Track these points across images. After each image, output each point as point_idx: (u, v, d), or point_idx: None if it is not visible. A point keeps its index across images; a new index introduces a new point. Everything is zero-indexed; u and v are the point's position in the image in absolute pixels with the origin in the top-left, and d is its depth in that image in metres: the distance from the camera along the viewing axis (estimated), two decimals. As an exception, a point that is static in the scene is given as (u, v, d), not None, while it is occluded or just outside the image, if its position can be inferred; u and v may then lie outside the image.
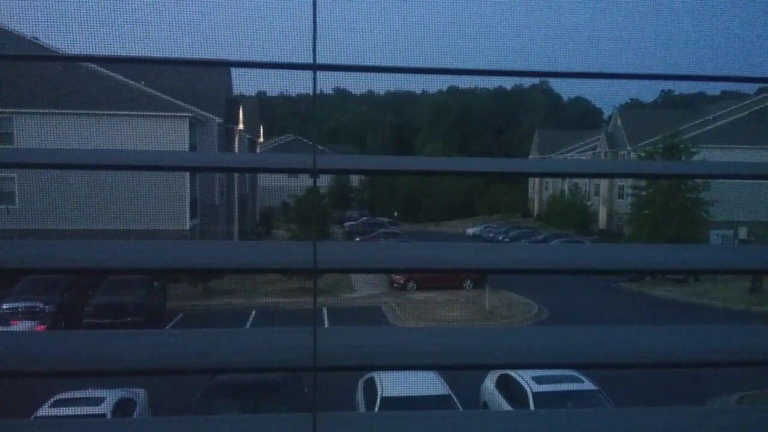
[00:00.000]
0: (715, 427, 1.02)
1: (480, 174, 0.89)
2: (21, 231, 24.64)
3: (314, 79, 0.89)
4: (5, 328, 16.91)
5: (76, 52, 26.65)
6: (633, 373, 13.06)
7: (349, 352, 0.94)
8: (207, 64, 0.87)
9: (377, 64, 0.97)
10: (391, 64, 0.98)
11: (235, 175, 39.08)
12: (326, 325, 2.95)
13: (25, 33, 29.11)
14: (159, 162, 0.89)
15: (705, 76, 1.09)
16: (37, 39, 29.31)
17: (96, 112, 27.35)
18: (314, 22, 0.86)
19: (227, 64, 0.87)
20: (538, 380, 11.51)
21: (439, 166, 0.89)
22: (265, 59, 0.86)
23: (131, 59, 0.90)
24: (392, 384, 11.26)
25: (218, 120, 34.21)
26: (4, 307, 19.36)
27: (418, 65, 0.96)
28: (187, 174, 29.87)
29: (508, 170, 0.94)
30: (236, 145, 39.39)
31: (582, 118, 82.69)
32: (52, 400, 10.31)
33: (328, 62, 0.88)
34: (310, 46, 0.88)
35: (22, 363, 0.90)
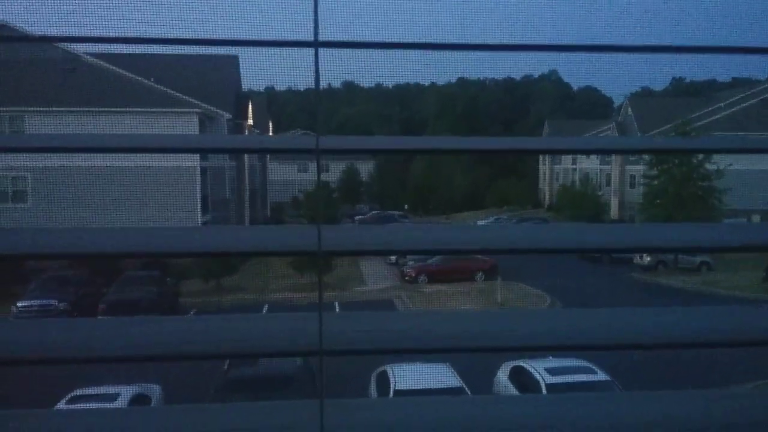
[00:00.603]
0: (724, 410, 1.00)
1: (482, 152, 0.87)
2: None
3: (316, 56, 0.87)
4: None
5: (84, 50, 26.66)
6: (646, 364, 13.00)
7: (356, 337, 0.93)
8: (206, 43, 0.85)
9: (382, 51, 0.95)
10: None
11: (246, 170, 39.22)
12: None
13: (34, 32, 29.22)
14: (163, 144, 0.87)
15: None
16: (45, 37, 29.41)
17: (105, 109, 27.48)
18: (315, -1, 0.84)
19: (226, 43, 0.86)
20: (551, 372, 11.48)
21: (440, 144, 0.87)
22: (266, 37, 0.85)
23: (115, 39, 0.88)
24: (405, 376, 11.27)
25: (227, 115, 34.28)
26: (19, 305, 19.56)
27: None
28: (198, 170, 30.00)
29: (509, 148, 0.92)
30: (245, 141, 39.38)
31: (592, 107, 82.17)
32: (68, 396, 10.42)
33: (330, 39, 0.87)
34: (312, 22, 0.86)
35: (37, 351, 0.90)
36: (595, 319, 1.01)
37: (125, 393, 10.58)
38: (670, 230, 1.00)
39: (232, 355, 0.90)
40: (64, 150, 0.90)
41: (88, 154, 26.97)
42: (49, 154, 27.09)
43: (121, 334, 0.92)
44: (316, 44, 0.87)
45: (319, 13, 0.89)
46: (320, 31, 0.90)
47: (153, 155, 27.95)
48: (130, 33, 0.99)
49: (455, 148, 0.87)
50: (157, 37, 0.86)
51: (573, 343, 0.95)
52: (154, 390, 11.32)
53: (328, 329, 0.92)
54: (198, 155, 30.11)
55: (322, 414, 0.92)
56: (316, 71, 0.91)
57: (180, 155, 28.97)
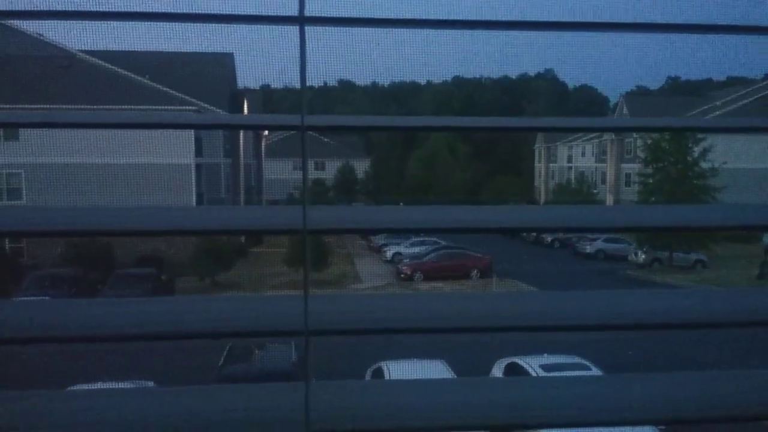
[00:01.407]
0: (717, 391, 0.99)
1: (460, 130, 0.87)
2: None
3: (301, 32, 0.86)
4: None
5: (79, 48, 26.54)
6: (642, 359, 13.03)
7: (341, 318, 0.92)
8: (184, 19, 0.84)
9: (377, 48, 0.94)
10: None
11: (241, 167, 39.17)
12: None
13: (29, 29, 29.13)
14: (149, 120, 0.86)
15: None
16: (41, 35, 29.35)
17: (101, 107, 27.39)
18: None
19: (205, 19, 0.84)
20: (546, 368, 11.53)
21: (423, 123, 0.87)
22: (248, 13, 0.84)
23: (68, 13, 0.87)
24: (400, 373, 11.30)
25: (222, 113, 34.21)
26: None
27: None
28: (193, 167, 29.95)
29: (499, 126, 0.91)
30: (241, 138, 39.42)
31: (588, 105, 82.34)
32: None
33: (316, 15, 0.86)
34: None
35: (31, 330, 0.89)
36: (583, 301, 1.01)
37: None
38: (657, 211, 1.00)
39: (218, 335, 0.89)
40: (58, 126, 0.89)
41: (83, 152, 26.79)
42: (43, 152, 27.00)
43: (107, 313, 0.91)
44: (301, 20, 0.86)
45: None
46: (307, 8, 0.89)
47: (149, 153, 27.92)
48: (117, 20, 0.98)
49: (438, 126, 0.86)
50: (136, 11, 0.85)
51: (558, 323, 0.94)
52: (147, 386, 11.29)
53: (313, 310, 0.91)
54: (193, 152, 30.07)
55: (307, 395, 0.91)
56: (302, 48, 0.90)
57: (176, 152, 28.94)
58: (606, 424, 0.94)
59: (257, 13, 0.85)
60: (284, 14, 0.85)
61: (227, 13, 0.86)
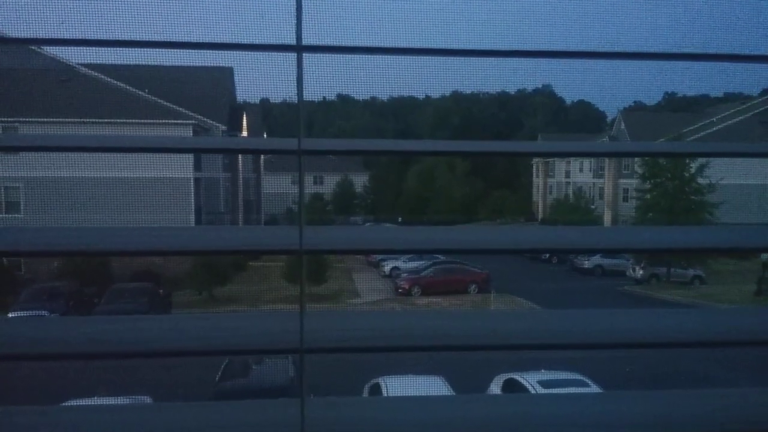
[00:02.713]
0: (711, 408, 1.01)
1: (455, 154, 0.89)
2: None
3: (299, 60, 0.89)
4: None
5: (76, 60, 26.66)
6: (640, 375, 12.98)
7: (336, 335, 0.94)
8: (186, 47, 0.87)
9: (376, 65, 0.97)
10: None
11: (240, 181, 39.19)
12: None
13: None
14: (149, 144, 0.89)
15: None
16: (41, 48, 29.45)
17: (100, 120, 27.46)
18: (299, 2, 0.86)
19: (206, 47, 0.87)
20: (544, 384, 11.49)
21: (418, 147, 0.89)
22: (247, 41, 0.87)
23: (78, 41, 0.90)
24: (398, 389, 11.24)
25: (222, 127, 34.29)
26: (10, 316, 19.42)
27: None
28: (192, 181, 29.97)
29: (478, 150, 0.94)
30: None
31: (585, 120, 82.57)
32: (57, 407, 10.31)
33: (313, 44, 0.89)
34: (294, 27, 0.88)
35: (29, 347, 0.91)
36: (578, 319, 1.03)
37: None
38: (657, 233, 1.02)
39: (214, 352, 0.91)
40: (61, 149, 0.92)
41: (81, 166, 26.82)
42: (42, 165, 27.04)
43: (105, 331, 0.93)
44: (299, 48, 0.89)
45: (303, 19, 0.91)
46: (304, 37, 0.92)
47: (147, 166, 27.96)
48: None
49: (432, 150, 0.89)
50: (138, 39, 0.88)
51: (555, 342, 0.96)
52: (145, 401, 11.23)
53: (309, 328, 0.93)
54: (192, 166, 30.11)
55: (303, 411, 0.93)
56: (299, 75, 0.93)
57: (175, 166, 28.98)
58: None
59: (256, 42, 0.88)
60: (282, 42, 0.88)
61: (226, 41, 0.89)
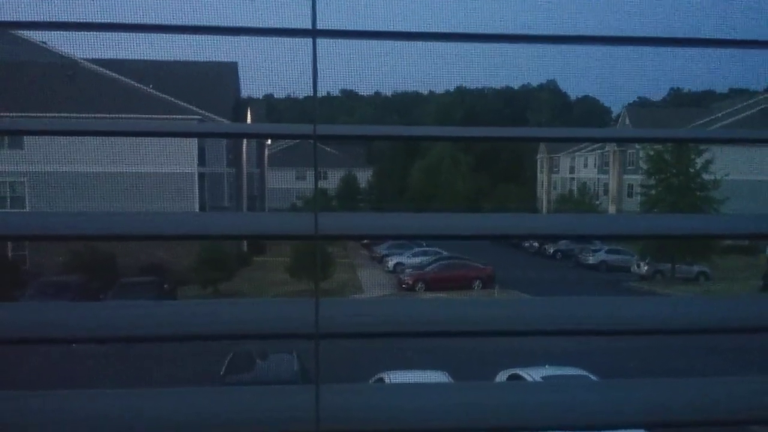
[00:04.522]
0: (709, 397, 1.01)
1: (468, 139, 0.89)
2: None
3: (314, 45, 0.89)
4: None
5: (83, 56, 26.71)
6: (643, 370, 12.98)
7: (351, 321, 0.94)
8: (198, 31, 0.87)
9: (381, 59, 0.97)
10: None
11: (244, 177, 39.24)
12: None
13: (34, 37, 29.32)
14: (160, 129, 0.89)
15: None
16: (45, 43, 29.53)
17: (105, 115, 27.51)
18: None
19: (218, 32, 0.87)
20: (548, 379, 11.50)
21: (431, 132, 0.89)
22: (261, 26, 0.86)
23: (80, 25, 0.90)
24: (402, 383, 11.28)
25: (226, 122, 34.31)
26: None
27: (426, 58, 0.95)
28: (196, 176, 30.03)
29: (494, 135, 0.94)
30: (244, 147, 39.51)
31: (590, 116, 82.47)
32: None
33: (328, 28, 0.88)
34: (309, 11, 0.88)
35: (40, 331, 0.91)
36: (584, 307, 1.03)
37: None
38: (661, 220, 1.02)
39: (229, 336, 0.92)
40: (65, 133, 0.92)
41: (86, 161, 26.87)
42: (46, 161, 27.10)
43: (120, 315, 0.93)
44: (314, 33, 0.89)
45: (317, 4, 0.91)
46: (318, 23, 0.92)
47: (152, 161, 28.02)
48: (125, 31, 1.00)
49: (443, 136, 0.89)
50: (148, 24, 0.87)
51: (559, 328, 0.96)
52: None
53: (323, 314, 0.94)
54: (196, 162, 30.16)
55: (317, 398, 0.93)
56: (314, 60, 0.93)
57: (179, 162, 29.03)
58: (603, 427, 0.96)
59: (270, 26, 0.87)
60: (297, 27, 0.88)
61: (240, 26, 0.89)
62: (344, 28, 0.91)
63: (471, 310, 1.00)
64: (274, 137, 0.90)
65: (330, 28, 0.90)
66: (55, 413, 0.92)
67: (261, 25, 0.91)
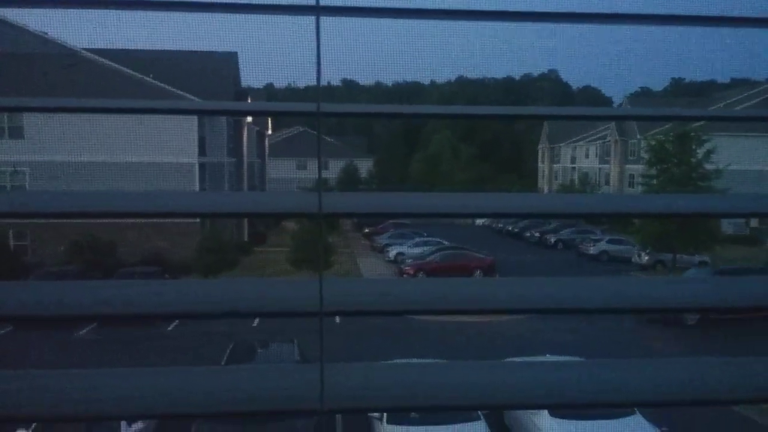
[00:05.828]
0: (697, 378, 1.01)
1: (474, 117, 0.89)
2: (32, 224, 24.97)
3: (317, 23, 0.89)
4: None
5: (83, 46, 26.66)
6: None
7: (354, 299, 0.94)
8: (200, 8, 0.86)
9: (384, 61, 0.96)
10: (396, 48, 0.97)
11: (245, 167, 39.23)
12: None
13: (34, 28, 29.24)
14: (164, 107, 0.89)
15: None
16: (45, 33, 29.44)
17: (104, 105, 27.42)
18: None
19: (220, 9, 0.87)
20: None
21: (433, 111, 0.89)
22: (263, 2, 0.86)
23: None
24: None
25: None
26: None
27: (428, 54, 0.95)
28: (196, 166, 30.02)
29: (498, 114, 0.93)
30: (245, 137, 39.47)
31: (591, 106, 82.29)
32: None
33: (332, 5, 0.88)
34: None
35: (44, 310, 0.91)
36: (585, 286, 1.03)
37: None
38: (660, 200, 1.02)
39: (233, 314, 0.92)
40: (63, 110, 0.92)
41: (87, 150, 26.84)
42: (47, 150, 27.08)
43: (124, 294, 0.93)
44: (317, 10, 0.89)
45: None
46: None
47: (153, 151, 28.00)
48: (127, 19, 1.00)
49: (447, 114, 0.89)
50: (146, 0, 0.87)
51: (562, 306, 0.97)
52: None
53: (327, 292, 0.94)
54: (196, 152, 30.13)
55: (322, 376, 0.94)
56: (317, 38, 0.92)
57: (179, 152, 29.01)
58: (604, 404, 0.97)
59: (273, 2, 0.87)
60: (300, 4, 0.88)
61: (243, 2, 0.88)
62: (348, 5, 0.90)
63: (475, 288, 1.01)
64: (278, 115, 0.90)
65: (334, 4, 0.89)
66: (55, 392, 0.92)
67: (264, 2, 0.90)
